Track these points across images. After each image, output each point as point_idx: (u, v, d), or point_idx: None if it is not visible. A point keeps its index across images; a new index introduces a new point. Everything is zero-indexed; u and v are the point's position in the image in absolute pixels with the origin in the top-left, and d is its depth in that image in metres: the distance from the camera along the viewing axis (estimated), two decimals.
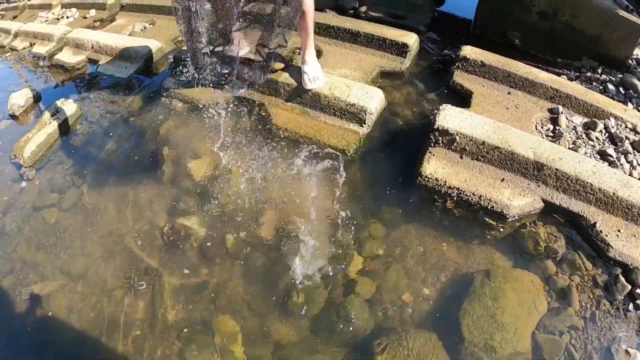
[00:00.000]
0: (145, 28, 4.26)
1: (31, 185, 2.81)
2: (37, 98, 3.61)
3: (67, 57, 4.02)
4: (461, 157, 2.35)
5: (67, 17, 5.20)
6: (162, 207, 2.48)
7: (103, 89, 3.45)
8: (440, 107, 2.49)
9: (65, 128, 3.09)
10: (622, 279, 2.16)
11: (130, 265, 2.25)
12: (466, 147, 2.34)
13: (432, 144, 2.38)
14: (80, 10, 5.25)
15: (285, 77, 2.81)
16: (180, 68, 3.20)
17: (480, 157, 2.34)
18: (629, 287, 2.13)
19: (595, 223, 2.27)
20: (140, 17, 4.50)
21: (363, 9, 3.88)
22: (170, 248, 2.29)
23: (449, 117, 2.40)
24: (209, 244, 2.28)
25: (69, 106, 3.18)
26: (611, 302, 2.10)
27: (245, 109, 2.89)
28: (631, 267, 2.18)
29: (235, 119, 2.84)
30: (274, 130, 2.69)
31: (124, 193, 2.59)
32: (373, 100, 2.64)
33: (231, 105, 2.92)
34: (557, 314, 2.04)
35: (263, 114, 2.81)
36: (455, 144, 2.35)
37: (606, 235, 2.23)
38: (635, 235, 2.28)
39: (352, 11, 3.90)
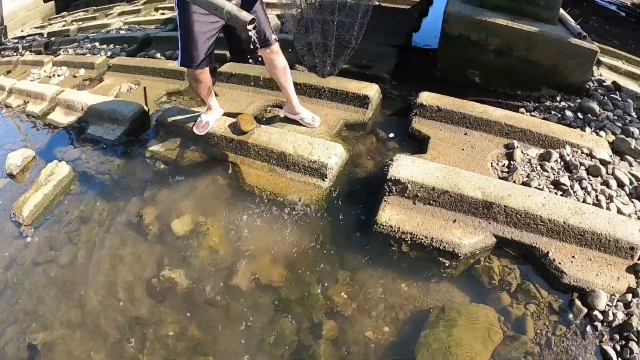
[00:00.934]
0: (131, 89, 4.51)
1: (31, 242, 3.03)
2: (33, 158, 3.84)
3: (60, 117, 4.24)
4: (414, 203, 2.53)
5: (58, 75, 5.43)
6: (149, 261, 2.70)
7: (93, 151, 3.67)
8: (394, 157, 2.68)
9: (60, 189, 3.33)
10: (578, 302, 2.27)
11: (123, 316, 2.46)
12: (418, 194, 2.52)
13: (387, 193, 2.56)
14: (70, 69, 5.49)
15: (254, 138, 3.03)
16: (163, 131, 3.45)
17: (432, 201, 2.51)
18: (585, 310, 2.24)
19: (548, 252, 2.40)
20: (127, 77, 4.75)
21: None
22: (158, 299, 2.49)
23: (401, 167, 2.59)
24: (191, 293, 2.48)
25: (63, 168, 3.42)
26: (567, 327, 2.21)
27: (220, 168, 3.12)
28: (587, 290, 2.29)
29: (212, 178, 3.06)
30: (245, 188, 2.90)
31: (115, 250, 2.81)
32: (333, 156, 2.84)
33: (208, 165, 3.16)
34: (512, 342, 2.16)
35: (236, 173, 3.03)
36: (407, 191, 2.53)
37: (559, 263, 2.36)
38: (590, 259, 2.40)
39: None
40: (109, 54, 5.59)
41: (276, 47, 2.94)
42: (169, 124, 3.36)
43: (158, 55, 5.12)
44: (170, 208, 2.92)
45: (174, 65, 4.44)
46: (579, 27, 4.03)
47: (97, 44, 6.06)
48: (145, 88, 4.13)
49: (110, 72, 5.05)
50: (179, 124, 3.31)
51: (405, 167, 2.59)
